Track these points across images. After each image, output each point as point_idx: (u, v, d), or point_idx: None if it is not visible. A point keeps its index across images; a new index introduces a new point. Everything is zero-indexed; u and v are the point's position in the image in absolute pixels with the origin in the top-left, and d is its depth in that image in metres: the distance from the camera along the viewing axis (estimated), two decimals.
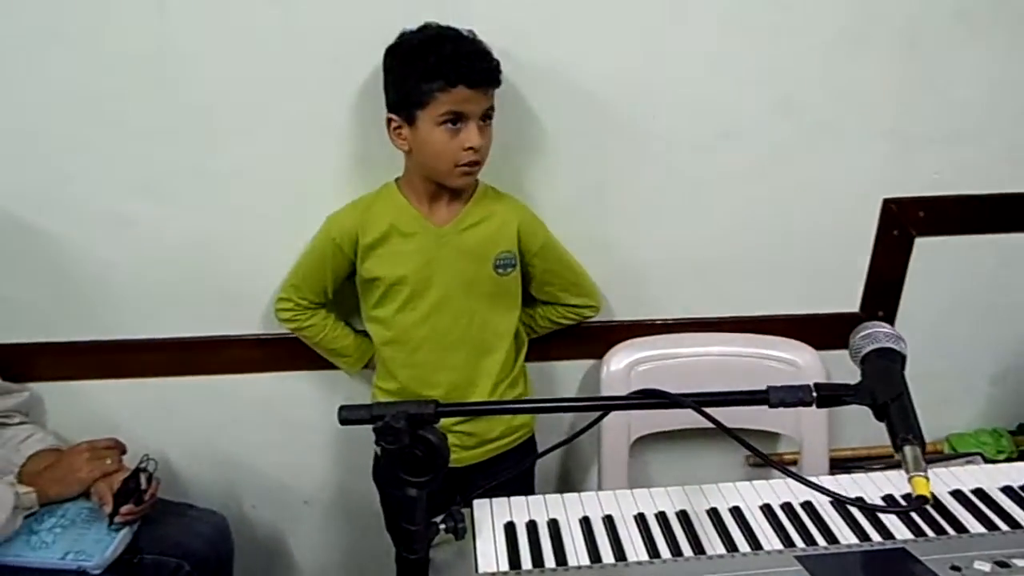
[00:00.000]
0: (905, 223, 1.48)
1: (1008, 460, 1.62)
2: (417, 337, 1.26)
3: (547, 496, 1.03)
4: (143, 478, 1.25)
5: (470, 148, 1.14)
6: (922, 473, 0.67)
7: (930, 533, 0.93)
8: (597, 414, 0.91)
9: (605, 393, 1.46)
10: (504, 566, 0.90)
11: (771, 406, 0.76)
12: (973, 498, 1.01)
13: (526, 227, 1.28)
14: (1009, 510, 0.98)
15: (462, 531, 0.91)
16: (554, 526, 0.97)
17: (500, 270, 1.26)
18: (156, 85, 1.23)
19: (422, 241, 1.23)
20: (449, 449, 0.84)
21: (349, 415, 0.84)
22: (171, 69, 1.22)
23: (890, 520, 0.95)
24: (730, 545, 0.92)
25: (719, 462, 1.64)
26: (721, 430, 0.79)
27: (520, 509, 1.01)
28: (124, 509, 1.22)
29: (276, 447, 1.54)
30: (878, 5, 1.30)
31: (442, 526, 0.90)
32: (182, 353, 1.42)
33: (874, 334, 0.80)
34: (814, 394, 0.75)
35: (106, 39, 1.19)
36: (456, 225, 1.24)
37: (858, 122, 1.39)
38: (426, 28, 1.15)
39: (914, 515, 0.96)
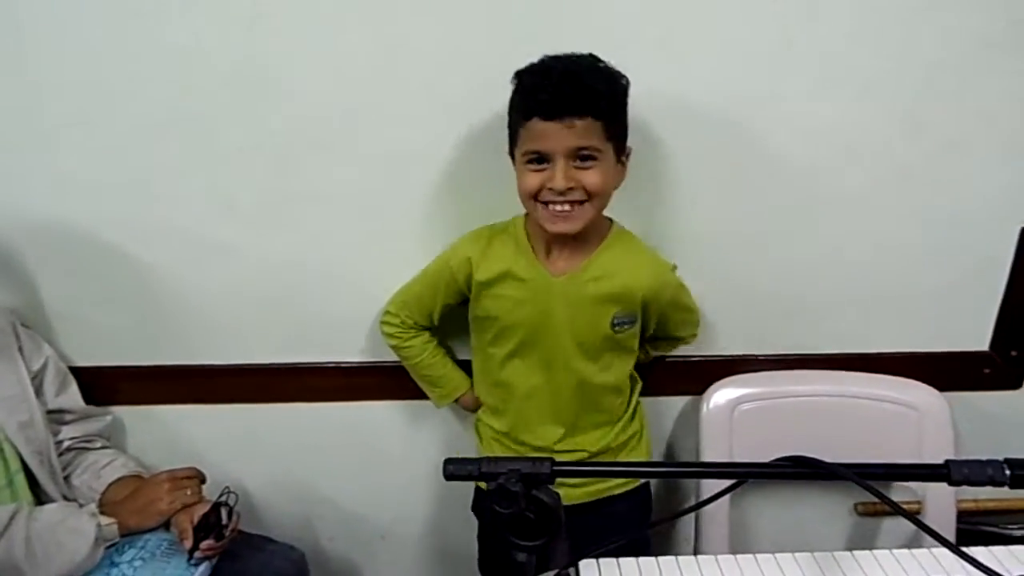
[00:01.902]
0: None
1: None
2: (527, 386, 1.18)
3: (660, 559, 0.93)
4: (223, 512, 1.21)
5: (551, 189, 1.02)
6: None
7: None
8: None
9: (706, 432, 1.35)
10: None
11: (952, 484, 0.65)
12: None
13: (653, 293, 1.16)
14: None
15: None
16: None
17: (617, 328, 1.15)
18: (246, 106, 1.19)
19: (535, 289, 1.13)
20: (563, 508, 0.76)
21: (456, 471, 0.77)
22: (261, 90, 1.18)
23: None
24: None
25: (824, 506, 1.52)
26: (888, 504, 0.68)
27: (631, 573, 0.91)
28: (204, 544, 1.18)
29: (355, 478, 1.48)
30: (1016, 13, 1.17)
31: None
32: (264, 380, 1.38)
33: None
34: (1007, 472, 0.64)
35: (194, 59, 1.15)
36: (574, 277, 1.12)
37: (993, 142, 1.25)
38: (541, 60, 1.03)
39: None
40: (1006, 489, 1.49)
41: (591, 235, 1.13)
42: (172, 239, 1.28)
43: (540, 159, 1.02)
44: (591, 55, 1.03)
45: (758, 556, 0.92)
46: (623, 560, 0.93)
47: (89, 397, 1.34)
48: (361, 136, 1.21)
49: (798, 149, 1.24)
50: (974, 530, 1.46)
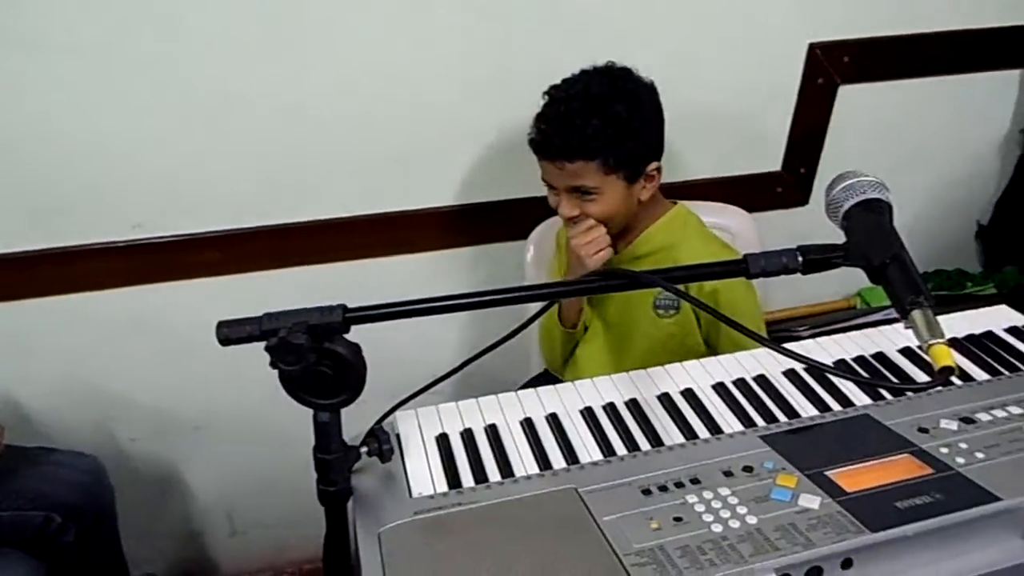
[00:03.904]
0: (830, 70, 1.38)
1: None
2: (594, 365, 1.18)
3: (481, 400, 0.90)
4: None
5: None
6: (941, 340, 0.58)
7: (888, 396, 0.87)
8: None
9: (530, 277, 1.32)
10: (442, 486, 0.77)
11: (751, 276, 0.65)
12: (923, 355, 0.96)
13: None
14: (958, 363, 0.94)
15: (388, 452, 0.78)
16: (493, 432, 0.85)
17: (660, 311, 1.11)
18: None
19: None
20: (365, 361, 0.68)
21: (231, 333, 0.66)
22: None
23: (847, 387, 0.89)
24: (689, 433, 0.83)
25: None
26: (698, 306, 0.67)
27: (451, 417, 0.87)
28: None
29: (152, 371, 1.33)
30: None
31: (363, 449, 0.76)
32: (19, 272, 1.17)
33: (856, 184, 0.68)
34: (800, 259, 0.64)
35: None
36: (626, 253, 1.12)
37: None
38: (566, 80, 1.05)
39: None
40: (793, 299, 1.60)
41: (637, 220, 1.11)
42: None
43: (551, 185, 1.07)
44: (607, 75, 1.03)
45: (577, 383, 0.92)
46: (442, 406, 0.89)
47: None
48: None
49: None
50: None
